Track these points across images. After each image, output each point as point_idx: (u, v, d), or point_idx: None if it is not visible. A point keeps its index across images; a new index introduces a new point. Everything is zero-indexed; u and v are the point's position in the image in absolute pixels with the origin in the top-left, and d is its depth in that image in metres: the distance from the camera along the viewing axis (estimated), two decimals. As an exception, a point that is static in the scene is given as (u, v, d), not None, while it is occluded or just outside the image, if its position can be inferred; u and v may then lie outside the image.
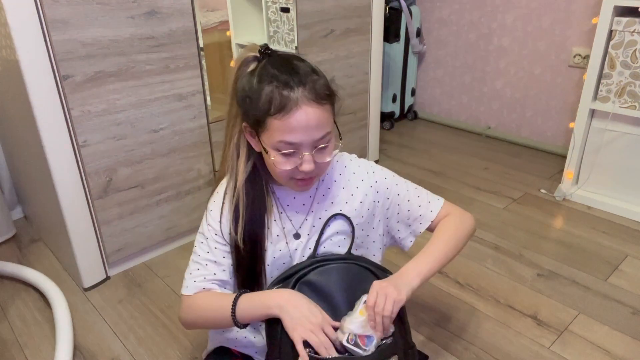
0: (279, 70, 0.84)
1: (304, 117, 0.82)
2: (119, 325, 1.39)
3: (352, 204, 1.00)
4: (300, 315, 0.84)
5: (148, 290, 1.54)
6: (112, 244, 1.54)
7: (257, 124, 0.86)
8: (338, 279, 0.93)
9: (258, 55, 0.89)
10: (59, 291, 1.45)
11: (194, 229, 1.76)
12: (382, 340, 0.86)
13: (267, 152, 0.87)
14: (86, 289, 1.54)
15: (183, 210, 1.68)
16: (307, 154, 0.85)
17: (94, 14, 1.30)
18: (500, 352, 1.26)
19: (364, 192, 1.00)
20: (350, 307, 0.89)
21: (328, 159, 0.89)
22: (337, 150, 0.97)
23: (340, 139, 0.93)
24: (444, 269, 1.58)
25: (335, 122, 0.90)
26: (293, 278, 0.92)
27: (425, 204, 1.04)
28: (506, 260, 1.63)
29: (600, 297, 1.45)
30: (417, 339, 1.30)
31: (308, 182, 0.91)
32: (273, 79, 0.83)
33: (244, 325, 0.92)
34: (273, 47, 0.92)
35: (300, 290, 0.90)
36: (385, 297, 0.85)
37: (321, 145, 0.86)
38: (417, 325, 1.35)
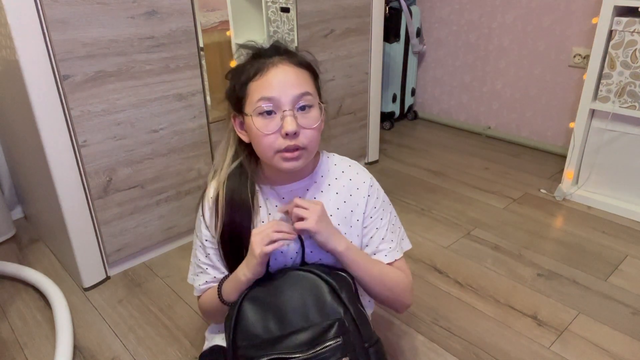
0: (255, 51, 0.92)
1: (280, 72, 0.86)
2: (119, 325, 1.39)
3: (342, 210, 0.98)
4: (251, 257, 0.88)
5: (148, 290, 1.54)
6: (112, 244, 1.54)
7: (240, 101, 0.89)
8: (286, 286, 0.89)
9: None
10: (59, 291, 1.45)
11: (194, 229, 1.78)
12: (331, 340, 0.82)
13: (251, 126, 0.87)
14: (86, 289, 1.54)
15: (183, 210, 1.68)
16: (287, 110, 0.85)
17: (94, 14, 1.30)
18: (500, 352, 1.26)
19: (355, 202, 0.98)
20: (298, 311, 0.85)
21: (313, 126, 0.87)
22: (321, 123, 0.91)
23: (323, 103, 0.92)
24: (443, 269, 1.59)
25: (320, 96, 0.92)
26: (240, 299, 0.89)
27: (394, 244, 1.01)
28: (506, 260, 1.63)
29: (600, 297, 1.45)
30: (417, 338, 1.31)
31: (295, 154, 0.87)
32: (250, 58, 0.91)
33: None
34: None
35: (242, 307, 0.87)
36: (308, 211, 0.88)
37: (302, 104, 0.86)
38: (416, 325, 1.35)
